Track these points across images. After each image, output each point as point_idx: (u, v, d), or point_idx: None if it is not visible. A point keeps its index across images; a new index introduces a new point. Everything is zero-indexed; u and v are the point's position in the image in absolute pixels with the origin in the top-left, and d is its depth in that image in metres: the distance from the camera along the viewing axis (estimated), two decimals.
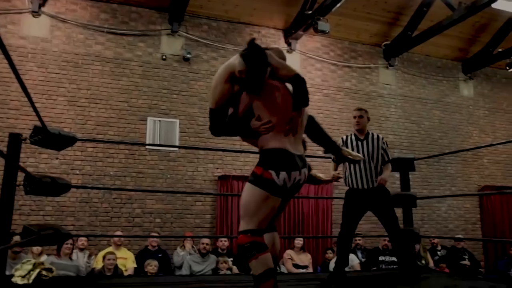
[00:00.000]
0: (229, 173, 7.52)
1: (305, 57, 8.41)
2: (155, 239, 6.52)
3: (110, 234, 6.61)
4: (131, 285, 3.64)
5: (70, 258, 5.71)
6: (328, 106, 8.41)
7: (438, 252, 7.86)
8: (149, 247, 6.53)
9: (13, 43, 6.72)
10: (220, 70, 2.45)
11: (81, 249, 6.11)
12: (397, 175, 4.61)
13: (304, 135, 2.78)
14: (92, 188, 6.50)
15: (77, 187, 5.98)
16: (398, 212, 3.99)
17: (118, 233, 6.53)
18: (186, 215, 7.22)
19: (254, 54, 2.25)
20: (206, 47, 7.84)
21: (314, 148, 4.06)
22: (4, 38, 5.83)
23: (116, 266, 5.59)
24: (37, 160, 6.56)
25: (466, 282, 3.74)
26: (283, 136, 2.34)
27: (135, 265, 6.15)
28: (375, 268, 6.81)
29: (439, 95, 9.55)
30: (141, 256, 6.33)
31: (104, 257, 5.64)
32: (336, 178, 3.79)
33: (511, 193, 9.51)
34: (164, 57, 7.55)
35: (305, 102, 2.47)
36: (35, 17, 6.92)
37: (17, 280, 2.96)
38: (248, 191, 2.31)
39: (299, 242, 6.93)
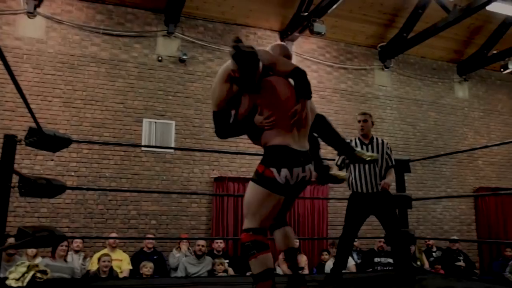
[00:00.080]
0: (225, 174, 7.51)
1: (301, 58, 8.42)
2: (151, 241, 6.51)
3: (105, 236, 6.59)
4: (126, 287, 3.62)
5: (65, 260, 5.68)
6: (324, 108, 8.41)
7: (434, 254, 7.87)
8: (145, 249, 6.51)
9: (8, 44, 6.69)
10: (219, 72, 2.47)
11: (76, 251, 6.09)
12: None
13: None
14: (87, 189, 6.49)
15: (72, 188, 5.97)
16: None
17: (114, 235, 6.52)
18: (181, 216, 7.21)
19: (240, 51, 2.27)
20: (202, 49, 7.84)
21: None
22: None
23: (111, 268, 5.57)
24: (32, 162, 6.54)
25: (461, 283, 3.74)
26: (286, 132, 2.34)
27: (131, 267, 6.13)
28: (371, 269, 6.81)
29: (435, 96, 9.59)
30: (136, 258, 6.31)
31: (99, 259, 5.62)
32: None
33: (506, 194, 9.55)
34: (160, 58, 7.54)
35: (308, 94, 2.45)
36: (30, 18, 6.90)
37: (11, 282, 2.94)
38: (251, 190, 2.32)
39: None
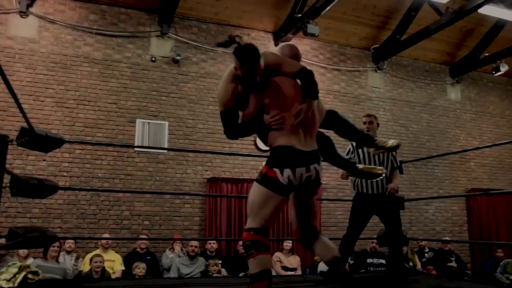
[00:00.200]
0: (218, 175, 7.51)
1: None
2: (143, 241, 6.49)
3: (97, 236, 6.57)
4: None
5: (57, 261, 5.65)
6: None
7: (426, 254, 7.92)
8: (138, 250, 6.49)
9: (0, 43, 6.65)
10: (225, 73, 2.50)
11: (68, 252, 6.06)
12: None
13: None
14: (79, 190, 6.45)
15: (64, 189, 5.94)
16: None
17: (106, 235, 6.49)
18: (174, 217, 7.19)
19: (240, 45, 2.32)
20: (195, 49, 7.83)
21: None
22: None
23: (103, 269, 5.55)
24: (24, 162, 6.50)
25: (453, 283, 3.77)
26: (291, 133, 2.34)
27: (123, 268, 6.11)
28: (363, 270, 6.84)
29: (427, 98, 9.65)
30: (129, 259, 6.29)
31: (91, 260, 5.60)
32: (345, 177, 3.81)
33: (496, 193, 9.62)
34: (153, 59, 7.52)
35: (314, 94, 2.46)
36: (22, 17, 6.85)
37: (2, 283, 2.92)
38: (254, 190, 2.34)
39: (288, 244, 6.94)
